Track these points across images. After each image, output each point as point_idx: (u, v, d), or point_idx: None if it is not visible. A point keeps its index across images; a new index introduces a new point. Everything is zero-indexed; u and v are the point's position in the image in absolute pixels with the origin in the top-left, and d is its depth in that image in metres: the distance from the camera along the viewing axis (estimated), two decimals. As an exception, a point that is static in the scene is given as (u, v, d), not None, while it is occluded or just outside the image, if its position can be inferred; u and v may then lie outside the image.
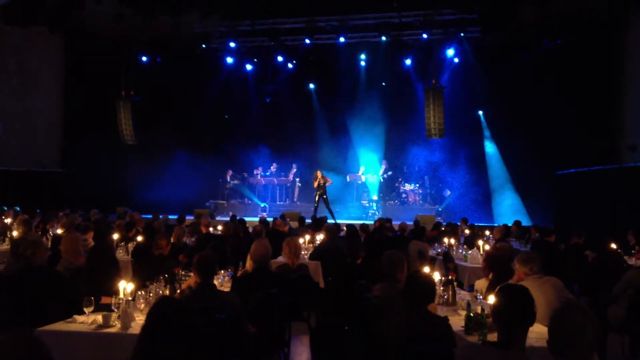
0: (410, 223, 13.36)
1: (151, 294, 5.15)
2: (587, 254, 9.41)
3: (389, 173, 20.03)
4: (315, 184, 18.08)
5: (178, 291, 5.48)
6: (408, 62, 19.88)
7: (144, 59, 20.80)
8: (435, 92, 17.71)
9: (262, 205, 20.31)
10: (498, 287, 3.32)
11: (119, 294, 4.86)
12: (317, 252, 9.41)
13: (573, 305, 2.88)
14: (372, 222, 14.67)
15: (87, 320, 4.61)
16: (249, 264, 6.62)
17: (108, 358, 3.99)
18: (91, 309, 4.64)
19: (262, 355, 5.53)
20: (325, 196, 18.02)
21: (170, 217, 14.27)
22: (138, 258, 7.93)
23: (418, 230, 11.32)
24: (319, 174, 18.16)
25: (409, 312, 4.07)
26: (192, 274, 5.37)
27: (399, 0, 17.25)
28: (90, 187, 19.14)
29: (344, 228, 11.87)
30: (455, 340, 4.27)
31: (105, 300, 5.14)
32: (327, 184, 18.21)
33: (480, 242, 9.92)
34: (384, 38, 18.76)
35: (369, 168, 20.48)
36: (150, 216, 14.16)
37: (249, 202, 20.99)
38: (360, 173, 20.19)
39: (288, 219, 14.10)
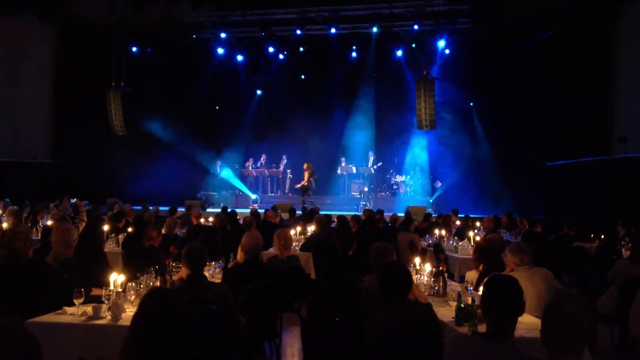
0: (402, 214, 13.36)
1: (142, 286, 5.14)
2: (580, 246, 9.39)
3: (379, 164, 20.04)
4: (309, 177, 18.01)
5: (169, 283, 5.48)
6: (399, 53, 19.87)
7: (135, 49, 20.67)
8: (427, 83, 17.71)
9: (254, 197, 20.27)
10: (486, 278, 3.33)
11: (109, 286, 4.84)
12: (309, 244, 9.42)
13: (568, 295, 2.88)
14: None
15: (77, 311, 4.60)
16: (239, 255, 6.62)
17: (98, 349, 3.98)
18: (81, 300, 4.62)
19: (253, 346, 5.54)
20: (306, 185, 17.97)
21: (160, 208, 14.19)
22: (128, 249, 7.90)
23: (405, 222, 11.32)
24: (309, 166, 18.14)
25: (391, 304, 4.06)
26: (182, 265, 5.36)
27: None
28: (81, 178, 19.00)
29: (335, 219, 11.86)
30: (440, 326, 4.28)
31: (95, 291, 5.12)
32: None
33: (471, 234, 9.95)
34: (375, 29, 18.76)
35: (361, 160, 20.46)
36: (140, 207, 14.09)
37: (240, 193, 20.94)
38: (348, 164, 20.17)
39: (279, 211, 14.08)
